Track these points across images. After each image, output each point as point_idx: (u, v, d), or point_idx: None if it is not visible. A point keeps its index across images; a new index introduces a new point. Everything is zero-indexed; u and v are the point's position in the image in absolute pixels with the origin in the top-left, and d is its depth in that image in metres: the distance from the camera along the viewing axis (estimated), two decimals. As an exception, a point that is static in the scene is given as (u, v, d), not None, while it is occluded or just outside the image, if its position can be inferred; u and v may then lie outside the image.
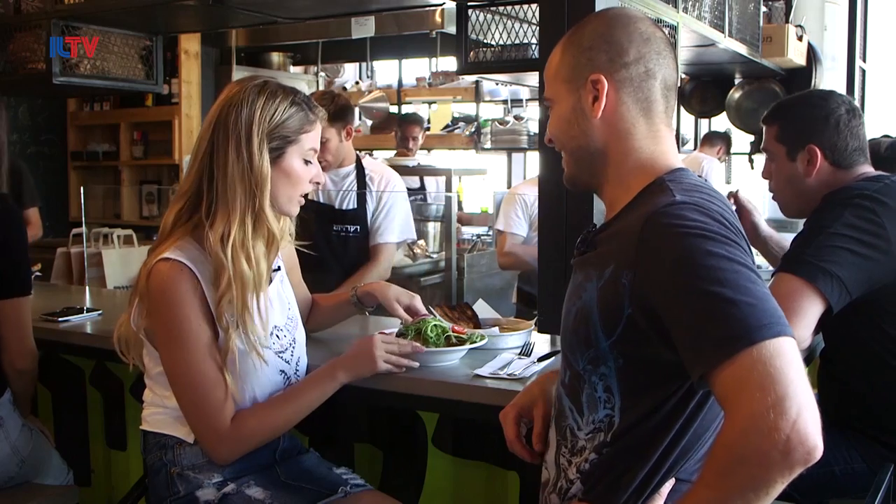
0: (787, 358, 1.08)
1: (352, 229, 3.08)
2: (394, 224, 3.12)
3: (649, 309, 1.22)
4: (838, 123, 2.13)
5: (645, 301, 1.23)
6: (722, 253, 1.17)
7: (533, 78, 3.63)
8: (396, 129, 6.15)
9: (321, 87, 7.44)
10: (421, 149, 7.55)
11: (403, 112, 7.41)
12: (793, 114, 2.20)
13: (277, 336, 1.85)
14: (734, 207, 2.41)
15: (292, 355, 1.88)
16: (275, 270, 1.90)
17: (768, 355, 1.07)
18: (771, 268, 2.49)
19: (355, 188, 3.09)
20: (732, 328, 1.11)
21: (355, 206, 3.08)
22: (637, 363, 1.29)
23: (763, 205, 5.04)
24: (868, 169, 2.17)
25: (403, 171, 6.31)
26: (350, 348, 1.88)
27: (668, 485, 1.30)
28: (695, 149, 6.58)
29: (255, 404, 1.77)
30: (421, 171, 6.09)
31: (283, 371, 1.85)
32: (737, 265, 1.16)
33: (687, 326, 1.16)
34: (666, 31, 2.92)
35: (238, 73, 6.52)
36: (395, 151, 7.15)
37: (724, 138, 6.10)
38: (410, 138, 5.96)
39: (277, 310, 1.87)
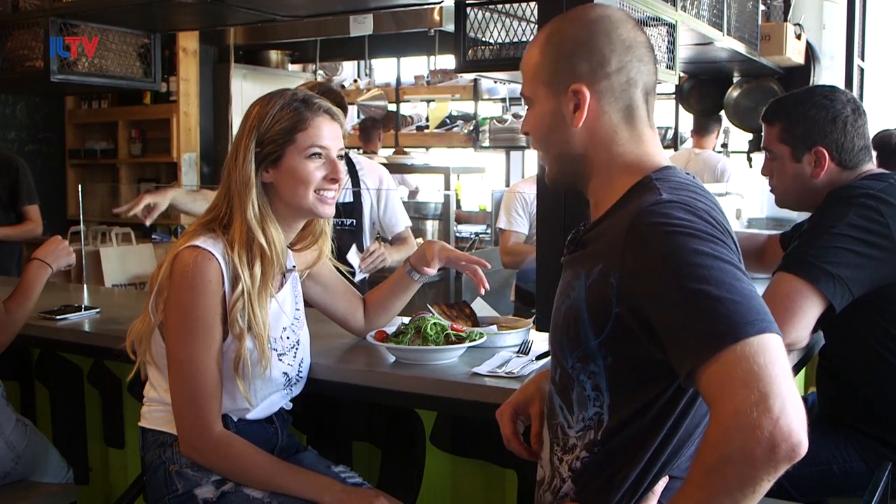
0: (772, 355, 1.08)
1: (348, 222, 3.15)
2: (398, 213, 3.32)
3: (637, 308, 1.22)
4: (845, 125, 2.10)
5: (632, 300, 1.23)
6: (707, 251, 1.17)
7: (531, 76, 3.62)
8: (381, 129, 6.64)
9: (318, 85, 7.43)
10: (419, 147, 7.58)
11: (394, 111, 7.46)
12: (797, 114, 2.15)
13: (281, 337, 1.85)
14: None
15: (295, 356, 1.88)
16: (288, 270, 1.91)
17: (752, 352, 1.08)
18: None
19: (349, 184, 3.15)
20: (717, 325, 1.11)
21: (351, 199, 3.13)
22: (626, 362, 1.29)
23: (761, 203, 5.04)
24: (872, 166, 2.17)
25: (401, 169, 6.35)
26: (354, 489, 1.77)
27: (662, 483, 1.30)
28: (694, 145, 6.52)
29: (251, 444, 1.75)
30: (418, 170, 6.11)
31: (285, 373, 1.85)
32: (722, 263, 1.16)
33: (673, 324, 1.16)
34: (664, 29, 2.93)
35: (236, 72, 6.52)
36: (392, 150, 7.18)
37: (718, 120, 5.82)
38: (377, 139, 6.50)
39: (286, 312, 1.88)
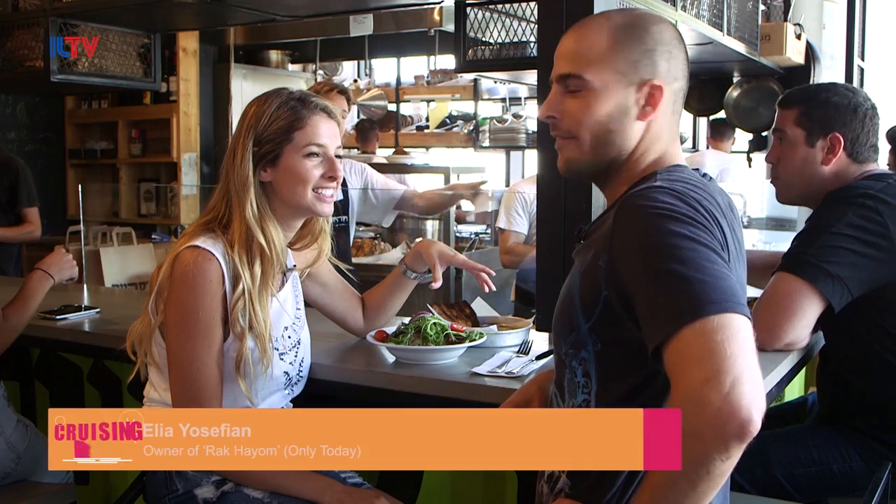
0: (730, 333, 1.07)
1: (343, 219, 3.19)
2: (391, 184, 3.54)
3: (620, 289, 1.24)
4: (865, 117, 2.12)
5: (617, 281, 1.24)
6: (684, 233, 1.18)
7: (531, 76, 3.63)
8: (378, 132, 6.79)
9: (319, 85, 7.43)
10: (419, 147, 7.58)
11: (394, 111, 7.47)
12: (819, 100, 2.15)
13: (283, 337, 1.85)
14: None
15: (296, 356, 1.89)
16: (289, 269, 1.91)
17: (711, 329, 1.07)
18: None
19: None
20: (681, 303, 1.11)
21: (342, 197, 3.18)
22: (614, 347, 1.31)
23: (761, 203, 5.05)
24: (875, 167, 2.18)
25: (401, 169, 6.35)
26: (354, 489, 1.76)
27: None
28: (694, 146, 6.54)
29: None
30: (418, 170, 6.11)
31: (286, 372, 1.85)
32: (696, 244, 1.17)
33: (644, 303, 1.18)
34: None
35: (236, 71, 6.52)
36: (392, 150, 7.18)
37: (733, 128, 5.88)
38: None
39: (287, 311, 1.88)
